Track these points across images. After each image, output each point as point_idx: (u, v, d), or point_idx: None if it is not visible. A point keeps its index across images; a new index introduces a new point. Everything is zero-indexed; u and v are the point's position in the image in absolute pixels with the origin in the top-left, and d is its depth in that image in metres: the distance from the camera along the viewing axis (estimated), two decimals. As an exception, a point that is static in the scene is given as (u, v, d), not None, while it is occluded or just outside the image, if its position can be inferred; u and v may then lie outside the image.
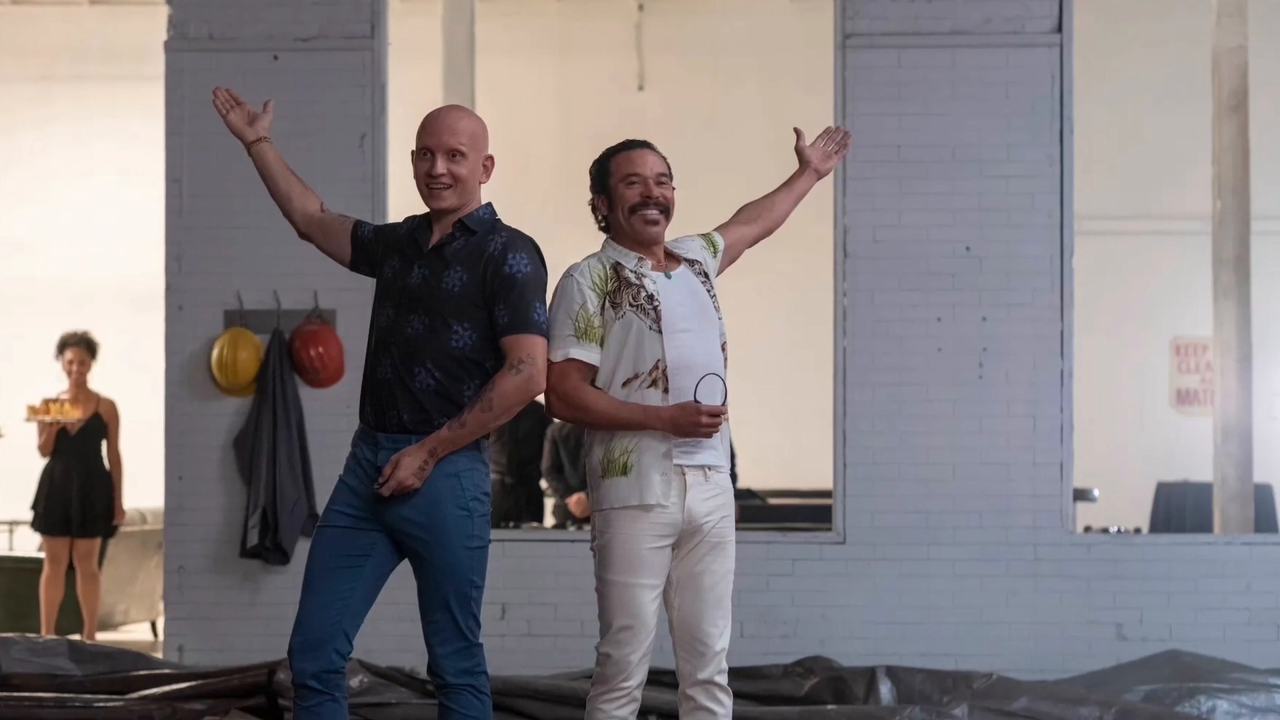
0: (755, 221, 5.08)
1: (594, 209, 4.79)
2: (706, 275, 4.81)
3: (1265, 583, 8.24)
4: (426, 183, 4.59)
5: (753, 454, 11.17)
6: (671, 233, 4.79)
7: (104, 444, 10.09)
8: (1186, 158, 12.59)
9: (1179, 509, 12.06)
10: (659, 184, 4.69)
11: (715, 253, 4.92)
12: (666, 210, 4.70)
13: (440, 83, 11.33)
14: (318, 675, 4.52)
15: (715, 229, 5.01)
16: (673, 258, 4.77)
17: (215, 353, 8.40)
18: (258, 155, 4.89)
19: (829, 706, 7.12)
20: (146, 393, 9.89)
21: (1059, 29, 8.32)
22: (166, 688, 7.15)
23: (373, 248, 4.75)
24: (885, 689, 7.30)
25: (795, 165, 5.20)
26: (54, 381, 10.29)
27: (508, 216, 4.68)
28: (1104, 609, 8.21)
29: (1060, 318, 8.27)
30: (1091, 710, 6.86)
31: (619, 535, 4.59)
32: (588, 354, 4.61)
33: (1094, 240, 12.05)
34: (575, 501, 9.61)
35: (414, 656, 6.77)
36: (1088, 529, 9.50)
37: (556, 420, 9.35)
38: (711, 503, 4.65)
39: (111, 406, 10.13)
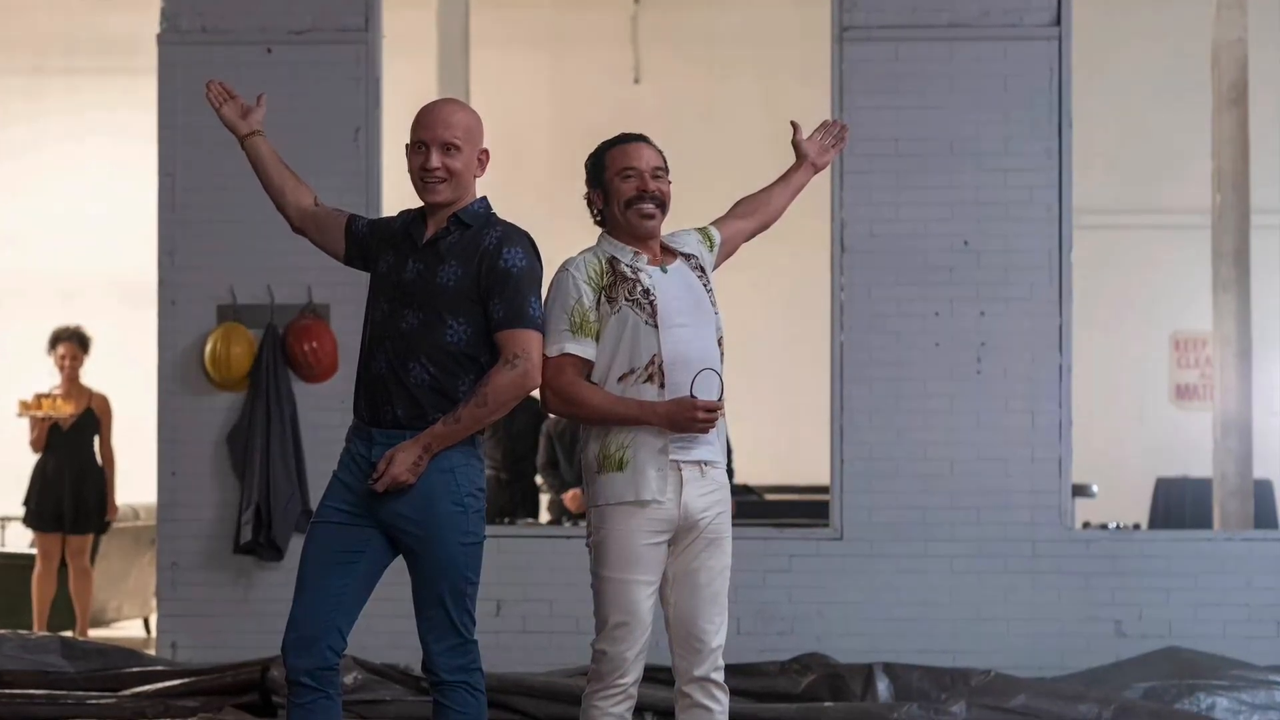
0: (752, 216, 5.06)
1: (589, 203, 4.77)
2: (703, 270, 4.78)
3: (1265, 579, 8.22)
4: (421, 176, 4.56)
5: (749, 449, 11.13)
6: (667, 227, 4.77)
7: (96, 439, 10.05)
8: (1186, 151, 12.55)
9: (1178, 505, 12.03)
10: (655, 178, 4.66)
11: (711, 247, 4.89)
12: (662, 204, 4.68)
13: (435, 76, 11.31)
14: (312, 672, 4.49)
15: (712, 223, 4.98)
16: (669, 252, 4.74)
17: (208, 348, 8.37)
18: (251, 149, 4.87)
19: (826, 704, 7.10)
20: (139, 388, 9.84)
21: (1058, 21, 8.29)
22: (159, 685, 7.14)
23: (367, 242, 4.72)
24: (883, 686, 7.28)
25: (792, 159, 5.17)
26: (46, 376, 10.24)
27: (503, 210, 4.65)
28: (1103, 605, 8.19)
29: (1059, 312, 8.24)
30: (1090, 707, 6.84)
31: (615, 531, 4.57)
32: (583, 349, 4.58)
33: (1093, 234, 12.01)
34: (571, 497, 9.58)
35: (409, 653, 6.72)
36: (1086, 525, 9.47)
37: (552, 415, 9.31)
38: (708, 498, 4.62)
39: (104, 402, 10.09)
